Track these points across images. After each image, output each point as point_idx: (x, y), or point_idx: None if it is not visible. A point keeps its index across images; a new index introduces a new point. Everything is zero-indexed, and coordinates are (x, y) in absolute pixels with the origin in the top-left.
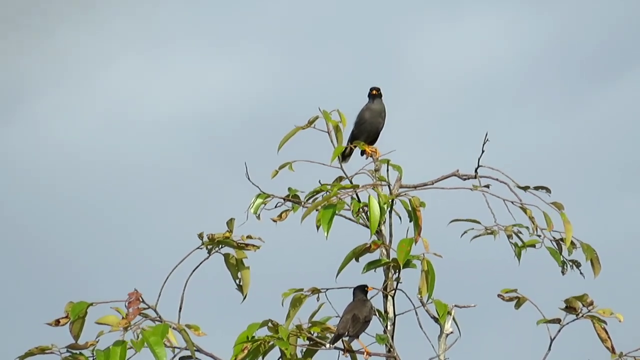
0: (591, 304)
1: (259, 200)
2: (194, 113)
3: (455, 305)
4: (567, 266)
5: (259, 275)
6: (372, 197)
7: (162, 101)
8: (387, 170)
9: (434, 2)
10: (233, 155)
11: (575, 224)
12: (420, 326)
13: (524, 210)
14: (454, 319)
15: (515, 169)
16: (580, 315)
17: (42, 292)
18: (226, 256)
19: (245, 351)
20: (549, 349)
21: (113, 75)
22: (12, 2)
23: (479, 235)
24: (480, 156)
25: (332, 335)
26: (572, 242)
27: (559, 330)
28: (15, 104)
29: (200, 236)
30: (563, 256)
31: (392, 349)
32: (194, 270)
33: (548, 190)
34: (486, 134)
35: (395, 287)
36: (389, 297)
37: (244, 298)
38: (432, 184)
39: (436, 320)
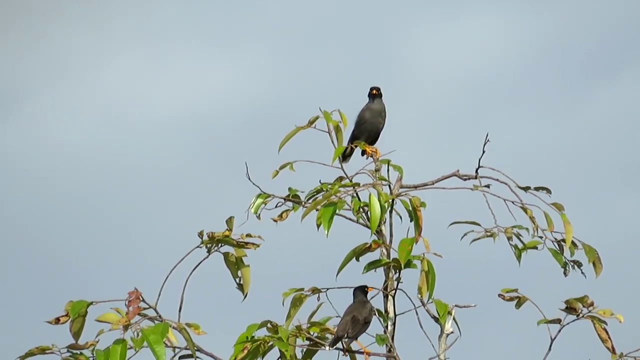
0: (591, 305)
1: (260, 200)
2: (193, 113)
3: (456, 305)
4: (569, 267)
5: (260, 275)
6: (373, 196)
7: (161, 101)
8: (388, 170)
9: (433, 1)
10: (233, 155)
11: (575, 224)
12: (421, 326)
13: (525, 210)
14: (454, 318)
15: (514, 168)
16: (581, 315)
17: (42, 291)
18: (226, 255)
19: (245, 351)
20: (550, 349)
21: (112, 75)
22: (11, 1)
23: (479, 238)
24: (481, 156)
25: (332, 336)
26: (573, 243)
27: (560, 331)
28: (14, 103)
29: (200, 235)
30: (565, 257)
31: (392, 349)
32: (193, 269)
33: (548, 190)
34: (487, 135)
35: (395, 287)
36: (390, 297)
37: (245, 297)
38: (433, 184)
39: (436, 320)
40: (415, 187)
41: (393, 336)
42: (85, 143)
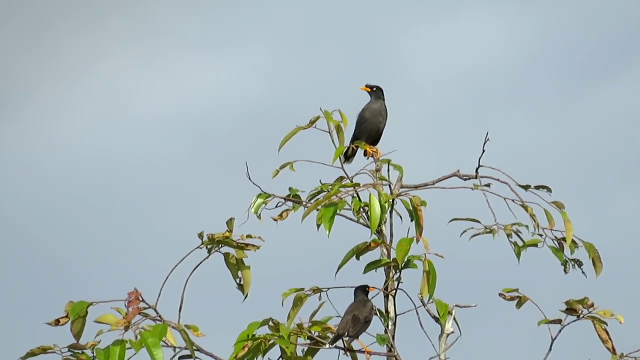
0: (592, 306)
1: (260, 200)
2: (191, 112)
3: (456, 305)
4: (569, 265)
5: (260, 275)
6: (373, 196)
7: (159, 100)
8: (388, 170)
9: (433, 1)
10: (231, 154)
11: (575, 223)
12: (421, 326)
13: (525, 208)
14: (454, 318)
15: (513, 168)
16: (581, 316)
17: (42, 292)
18: (226, 255)
19: (246, 349)
20: (550, 349)
21: (110, 74)
22: (6, 1)
23: (478, 234)
24: (481, 156)
25: (333, 335)
26: (573, 241)
27: (560, 331)
28: (10, 102)
29: (200, 236)
30: (565, 255)
31: (392, 349)
32: (194, 270)
33: (549, 189)
34: (487, 134)
35: (396, 287)
36: (390, 297)
37: (245, 297)
38: (433, 183)
39: (437, 320)
40: (416, 187)
41: (393, 336)
42: (84, 142)
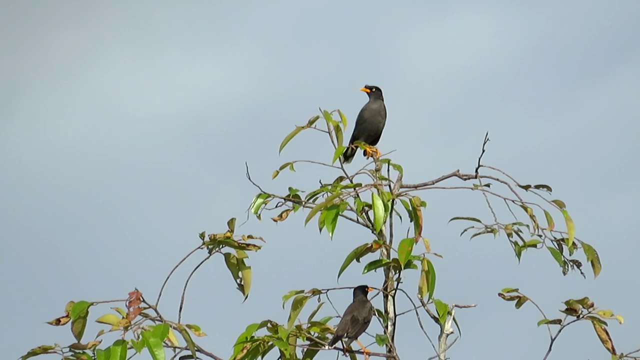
0: (591, 306)
1: (260, 200)
2: (185, 112)
3: (456, 305)
4: (568, 266)
5: (260, 275)
6: (376, 195)
7: (154, 100)
8: (388, 170)
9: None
10: (229, 154)
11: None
12: (421, 326)
13: (525, 208)
14: (454, 319)
15: (509, 167)
16: (581, 316)
17: (43, 291)
18: (227, 256)
19: (245, 351)
20: (550, 349)
21: (106, 74)
22: (4, 1)
23: (479, 234)
24: (481, 156)
25: (332, 336)
26: (573, 243)
27: (560, 331)
28: (9, 102)
29: (202, 236)
30: (564, 256)
31: (392, 349)
32: (194, 270)
33: (549, 188)
34: (486, 134)
35: (395, 287)
36: (390, 297)
37: (246, 298)
38: (433, 183)
39: (436, 320)
40: (416, 187)
41: (393, 336)
42: (80, 142)
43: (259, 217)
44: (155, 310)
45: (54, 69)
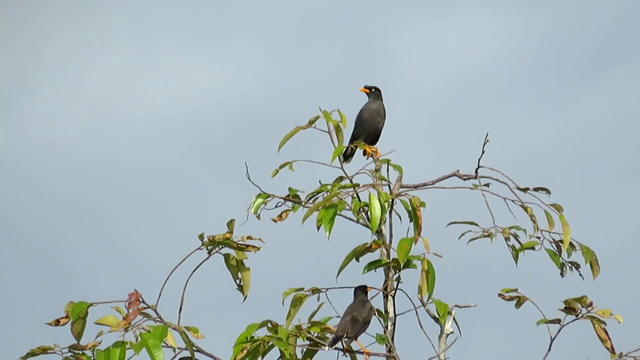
0: (590, 305)
1: (260, 200)
2: (184, 111)
3: (456, 305)
4: (566, 268)
5: (259, 275)
6: (373, 196)
7: (153, 99)
8: (387, 170)
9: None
10: (228, 154)
11: (571, 223)
12: (421, 326)
13: (525, 209)
14: (454, 318)
15: (507, 167)
16: (580, 315)
17: (42, 292)
18: (226, 257)
19: (245, 351)
20: (549, 349)
21: (104, 73)
22: (3, 1)
23: (476, 238)
24: (481, 156)
25: (332, 336)
26: (571, 244)
27: (559, 330)
28: (7, 101)
29: (201, 237)
30: (562, 258)
31: (392, 349)
32: (194, 271)
33: (548, 191)
34: (486, 135)
35: (395, 287)
36: (389, 297)
37: (245, 298)
38: (433, 184)
39: (436, 320)
40: (415, 187)
41: (393, 336)
42: (82, 142)
43: (258, 217)
44: (155, 311)
45: (53, 69)
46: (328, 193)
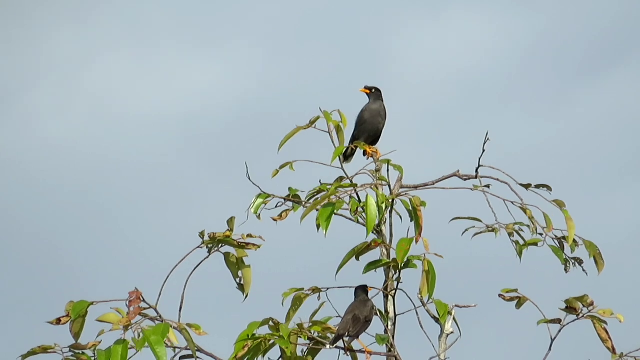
0: (591, 304)
1: (260, 200)
2: (181, 110)
3: (456, 305)
4: (569, 264)
5: (260, 275)
6: (370, 196)
7: (150, 99)
8: (388, 170)
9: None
10: (227, 154)
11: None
12: (421, 326)
13: (524, 210)
14: (454, 318)
15: (510, 167)
16: (581, 315)
17: (42, 292)
18: (226, 255)
19: (246, 349)
20: (550, 349)
21: (102, 73)
22: (1, 1)
23: (480, 233)
24: (481, 156)
25: (333, 335)
26: (574, 240)
27: (560, 331)
28: (5, 101)
29: (201, 234)
30: (565, 254)
31: (392, 349)
32: (194, 270)
33: (549, 188)
34: (487, 134)
35: (395, 287)
36: (390, 297)
37: (246, 297)
38: (433, 184)
39: (437, 320)
40: (416, 187)
41: (393, 336)
42: (81, 141)
43: (258, 217)
44: (155, 310)
45: (51, 69)
46: (327, 192)
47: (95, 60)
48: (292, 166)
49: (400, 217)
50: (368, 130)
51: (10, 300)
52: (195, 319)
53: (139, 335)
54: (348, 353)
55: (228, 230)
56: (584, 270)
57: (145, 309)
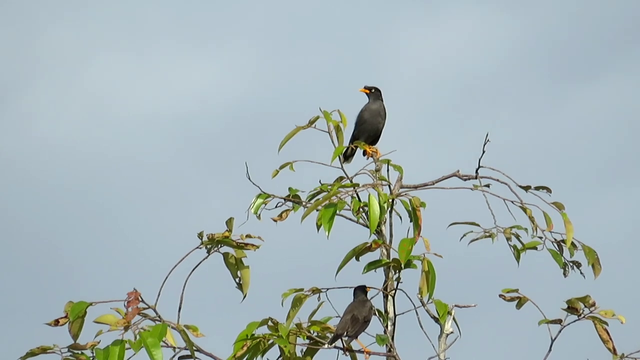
0: (593, 305)
1: (260, 200)
2: (178, 111)
3: (456, 305)
4: (568, 268)
5: (259, 275)
6: (372, 196)
7: (148, 99)
8: (388, 170)
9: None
10: (230, 155)
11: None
12: (421, 326)
13: (524, 210)
14: (454, 318)
15: (507, 167)
16: (582, 316)
17: (42, 292)
18: (225, 255)
19: (245, 349)
20: (550, 349)
21: (99, 73)
22: None
23: (477, 239)
24: (481, 156)
25: (332, 335)
26: (573, 244)
27: (560, 331)
28: (2, 100)
29: (200, 235)
30: (564, 257)
31: (392, 349)
32: (193, 270)
33: (549, 190)
34: (487, 134)
35: (395, 287)
36: (389, 297)
37: (244, 297)
38: (433, 184)
39: (436, 320)
40: (416, 187)
41: (393, 336)
42: (80, 141)
43: (258, 217)
44: (154, 310)
45: (50, 68)
46: (328, 192)
47: (94, 60)
48: (292, 166)
49: (400, 218)
50: (368, 130)
51: (10, 300)
52: (195, 319)
53: (135, 337)
54: (347, 353)
55: (227, 230)
56: (582, 273)
57: (144, 309)
